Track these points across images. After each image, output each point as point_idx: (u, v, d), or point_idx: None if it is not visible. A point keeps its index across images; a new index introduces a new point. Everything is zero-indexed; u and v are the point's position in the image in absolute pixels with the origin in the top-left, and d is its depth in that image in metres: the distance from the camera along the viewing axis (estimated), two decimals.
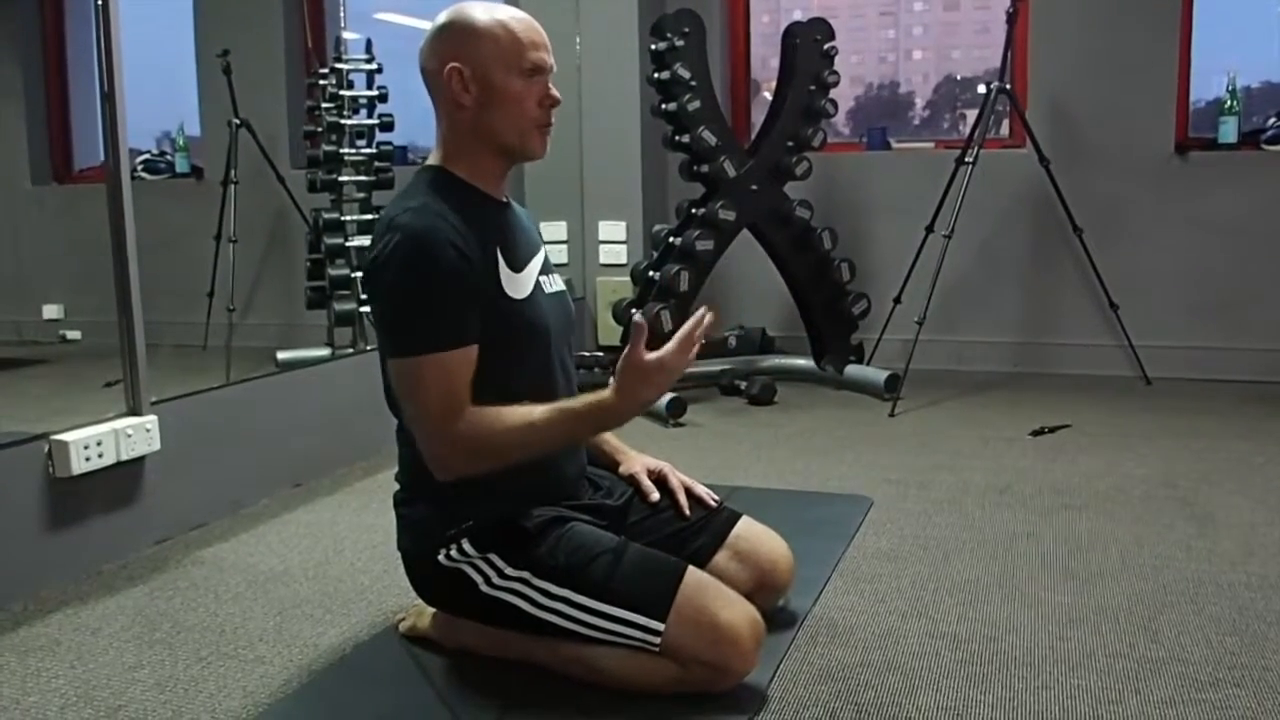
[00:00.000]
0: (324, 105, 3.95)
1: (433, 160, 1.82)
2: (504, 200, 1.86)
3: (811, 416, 3.84)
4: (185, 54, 4.48)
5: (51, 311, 4.45)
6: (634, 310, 1.66)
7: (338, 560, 2.45)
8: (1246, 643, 1.90)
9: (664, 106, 3.99)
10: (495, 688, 1.77)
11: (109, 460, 2.39)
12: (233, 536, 2.62)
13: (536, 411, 1.67)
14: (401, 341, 1.68)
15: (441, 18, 1.77)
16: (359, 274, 3.84)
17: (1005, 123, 4.62)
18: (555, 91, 1.78)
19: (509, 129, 1.76)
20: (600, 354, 4.36)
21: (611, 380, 1.67)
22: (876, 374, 4.07)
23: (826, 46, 4.14)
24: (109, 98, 2.40)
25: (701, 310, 1.69)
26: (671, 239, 4.03)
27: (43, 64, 4.61)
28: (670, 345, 1.66)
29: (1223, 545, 2.40)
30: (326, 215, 3.93)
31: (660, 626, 1.66)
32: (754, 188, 4.06)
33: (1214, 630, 1.96)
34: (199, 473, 2.69)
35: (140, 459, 2.49)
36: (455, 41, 1.74)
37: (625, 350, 1.65)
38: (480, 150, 1.79)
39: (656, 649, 1.67)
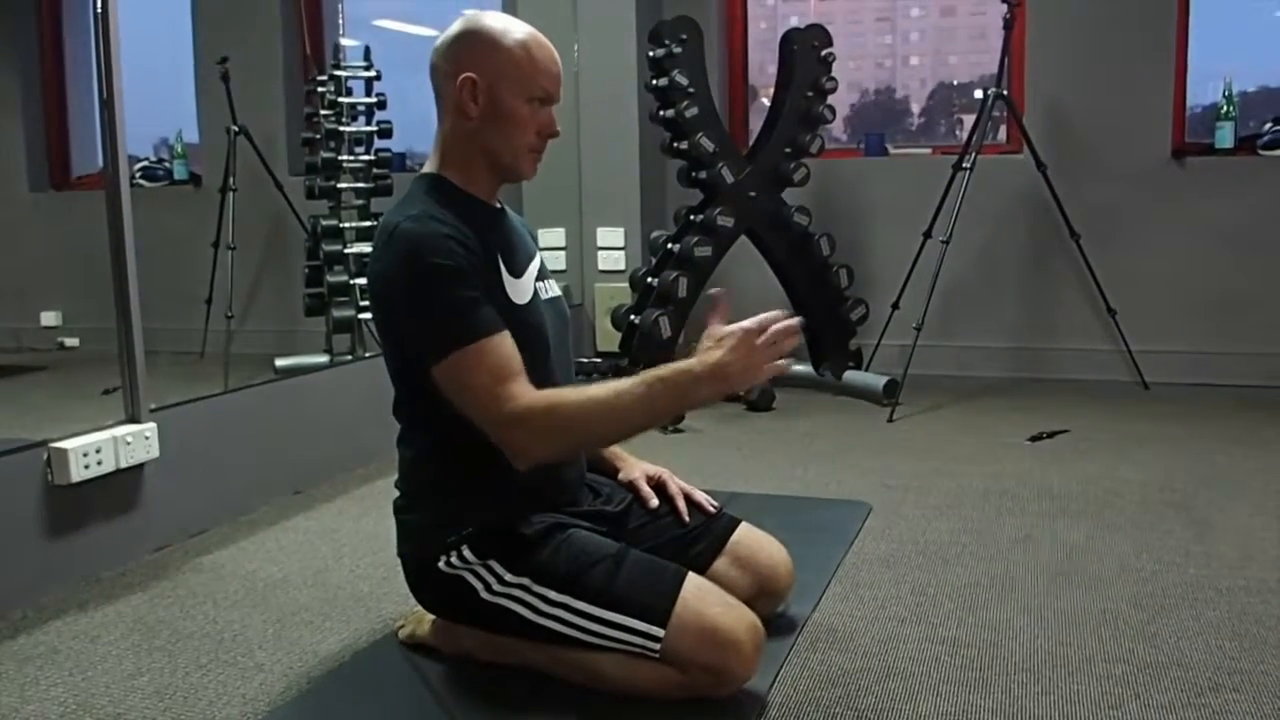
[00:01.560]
0: (322, 112, 3.96)
1: (429, 167, 1.82)
2: (498, 206, 1.87)
3: (810, 422, 3.84)
4: (184, 61, 4.48)
5: (50, 318, 4.45)
6: (713, 290, 1.66)
7: (337, 567, 2.45)
8: (1245, 647, 1.90)
9: (662, 113, 4.00)
10: (495, 694, 1.77)
11: (108, 468, 2.39)
12: (232, 543, 2.62)
13: (617, 382, 1.64)
14: (434, 347, 1.66)
15: (465, 24, 1.77)
16: (357, 281, 3.84)
17: (1002, 128, 4.63)
18: (557, 125, 1.79)
19: (504, 148, 1.77)
20: (599, 360, 4.36)
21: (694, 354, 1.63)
22: (875, 379, 4.07)
23: (824, 53, 4.15)
24: (108, 104, 2.40)
25: (798, 321, 1.67)
26: (670, 245, 4.03)
27: (41, 71, 4.61)
28: (746, 322, 1.63)
29: (1221, 550, 2.41)
30: (325, 222, 3.94)
31: (660, 632, 1.66)
32: (752, 194, 4.07)
33: (1213, 635, 1.96)
34: (198, 480, 2.69)
35: (139, 466, 2.49)
36: (475, 51, 1.74)
37: (711, 323, 1.64)
38: (474, 160, 1.80)
39: (657, 655, 1.67)
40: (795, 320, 1.66)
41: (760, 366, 1.63)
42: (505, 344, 1.67)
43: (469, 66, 1.73)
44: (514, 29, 1.76)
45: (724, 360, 1.61)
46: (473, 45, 1.75)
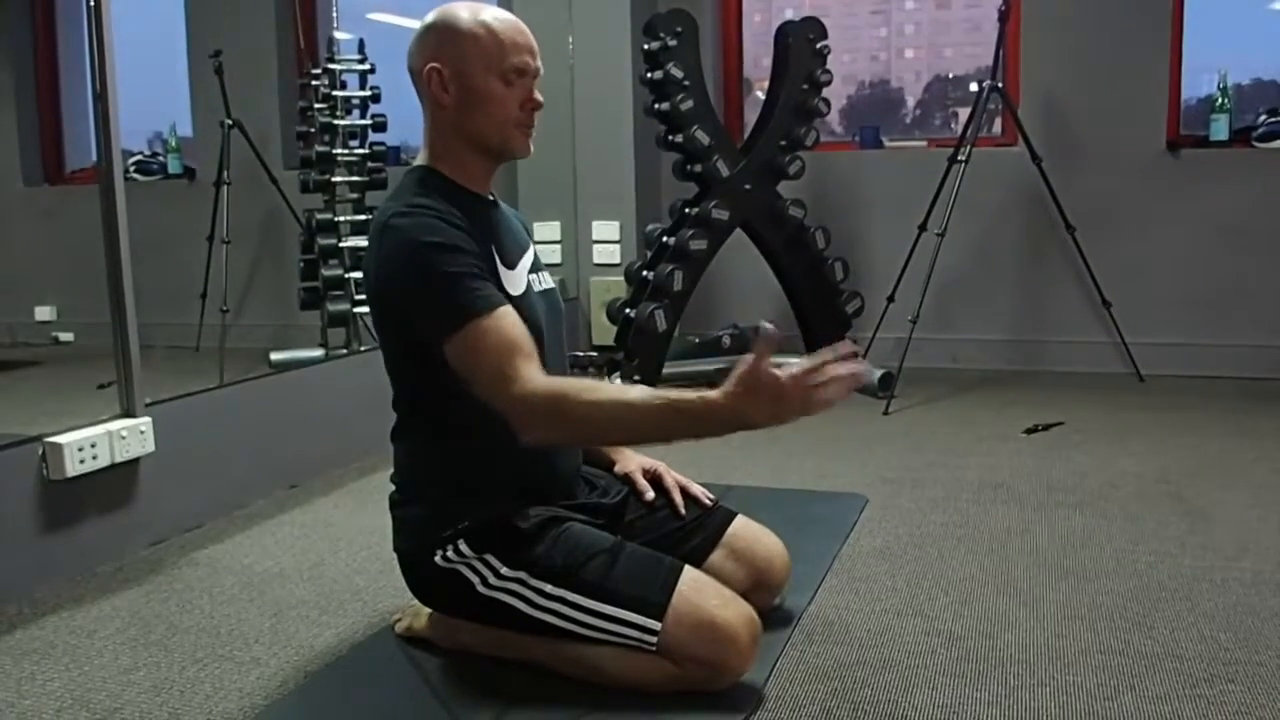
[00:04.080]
0: (317, 106, 3.95)
1: (420, 160, 1.82)
2: (491, 198, 1.87)
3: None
4: (177, 54, 4.46)
5: (44, 313, 4.43)
6: (765, 324, 1.53)
7: (333, 561, 2.44)
8: (1241, 638, 1.91)
9: (657, 106, 3.99)
10: (492, 688, 1.77)
11: (103, 462, 2.39)
12: (228, 538, 2.62)
13: (634, 392, 1.59)
14: (443, 323, 1.64)
15: (430, 18, 1.78)
16: (353, 275, 3.84)
17: (997, 121, 4.63)
18: (538, 95, 1.78)
19: (489, 129, 1.76)
20: (594, 354, 4.36)
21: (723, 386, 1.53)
22: (870, 372, 4.07)
23: (819, 45, 4.14)
24: (101, 98, 2.40)
25: (849, 348, 1.57)
26: (665, 238, 4.03)
27: (34, 65, 4.60)
28: (798, 368, 1.53)
29: (1216, 541, 2.41)
30: (320, 216, 3.93)
31: (657, 626, 1.66)
32: (747, 187, 4.07)
33: (1208, 626, 1.96)
34: (194, 474, 2.69)
35: (135, 461, 2.49)
36: (437, 42, 1.75)
37: (750, 358, 1.52)
38: (464, 149, 1.79)
39: (653, 648, 1.67)
40: (856, 367, 1.56)
41: (793, 411, 1.54)
42: (512, 319, 1.66)
43: (433, 57, 1.73)
44: (475, 12, 1.76)
45: (751, 411, 1.52)
46: (435, 36, 1.75)
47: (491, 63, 1.73)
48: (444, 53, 1.73)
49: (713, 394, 1.53)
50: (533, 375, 1.60)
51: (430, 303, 1.66)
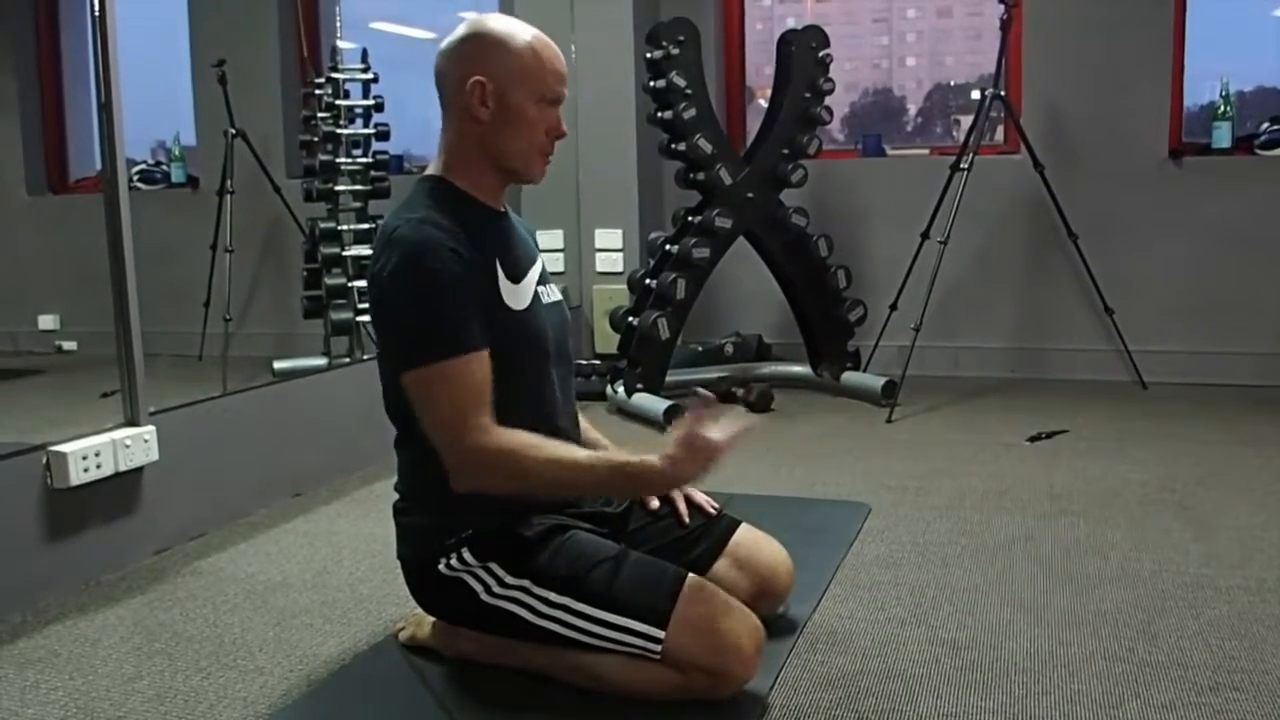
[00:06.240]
0: (320, 115, 3.96)
1: (433, 169, 1.82)
2: (502, 210, 1.87)
3: (809, 423, 3.84)
4: (181, 63, 4.48)
5: (47, 322, 4.44)
6: (699, 390, 1.72)
7: (337, 570, 2.44)
8: (1246, 646, 1.90)
9: (660, 114, 4.00)
10: (495, 696, 1.77)
11: (107, 471, 2.39)
12: (231, 546, 2.62)
13: (581, 453, 1.67)
14: (409, 354, 1.68)
15: (470, 27, 1.76)
16: (355, 283, 3.84)
17: (1000, 129, 4.64)
18: (564, 125, 1.80)
19: (515, 151, 1.77)
20: (596, 362, 4.36)
21: (652, 455, 1.65)
22: (873, 380, 4.07)
23: (821, 53, 4.15)
24: (106, 108, 2.40)
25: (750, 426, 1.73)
26: (668, 247, 4.04)
27: (38, 74, 4.61)
28: (725, 431, 1.66)
29: (1221, 549, 2.41)
30: (323, 224, 3.94)
31: (661, 634, 1.66)
32: (750, 195, 4.07)
33: (1213, 634, 1.96)
34: (197, 483, 2.69)
35: (139, 469, 2.49)
36: (483, 54, 1.74)
37: (687, 422, 1.64)
38: (483, 164, 1.79)
39: (657, 657, 1.67)
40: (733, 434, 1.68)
41: (702, 473, 1.68)
42: (481, 366, 1.68)
43: (477, 70, 1.73)
44: (520, 31, 1.76)
45: (689, 471, 1.66)
46: (480, 48, 1.74)
47: (534, 87, 1.74)
48: (490, 67, 1.72)
49: (652, 458, 1.64)
50: (487, 426, 1.65)
51: (406, 329, 1.69)
